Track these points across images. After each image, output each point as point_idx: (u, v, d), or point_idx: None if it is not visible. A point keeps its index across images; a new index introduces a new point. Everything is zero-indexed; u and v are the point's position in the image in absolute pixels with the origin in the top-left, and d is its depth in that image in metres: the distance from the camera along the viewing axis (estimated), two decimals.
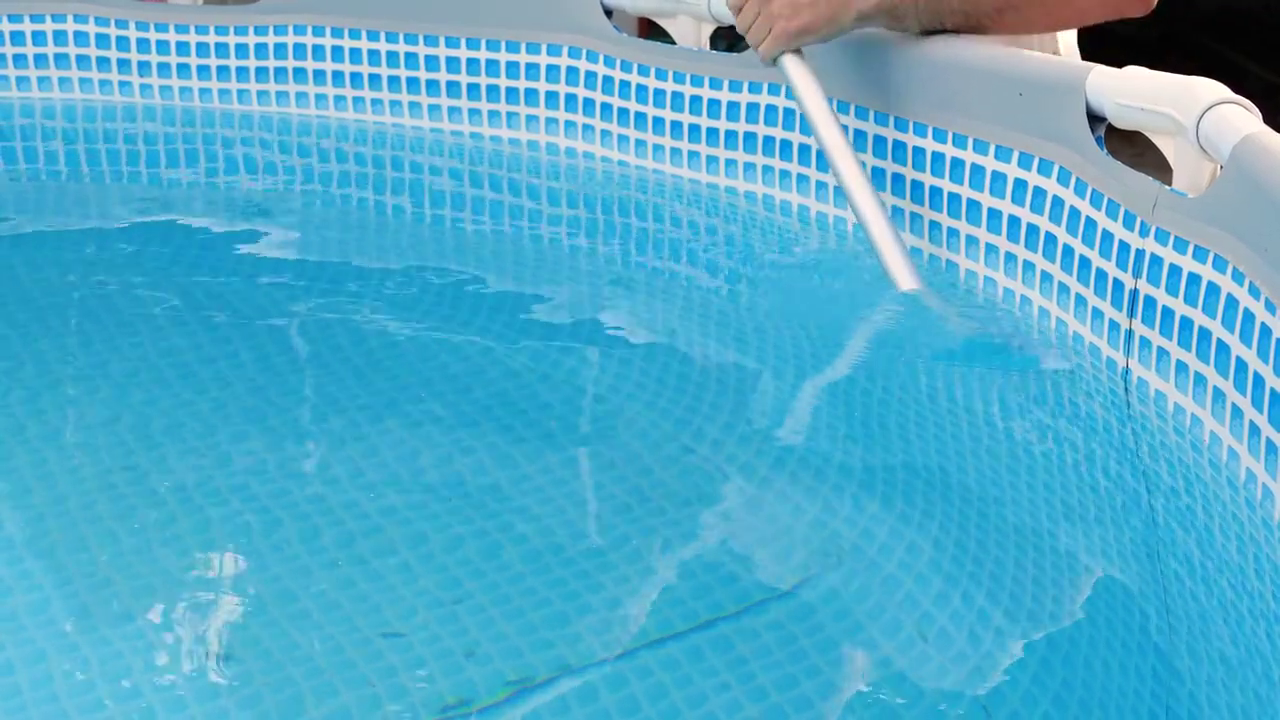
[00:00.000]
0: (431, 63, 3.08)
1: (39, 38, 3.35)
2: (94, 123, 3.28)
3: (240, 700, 1.39)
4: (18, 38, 3.35)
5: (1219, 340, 1.79)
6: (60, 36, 3.34)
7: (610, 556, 1.66)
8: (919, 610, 1.56)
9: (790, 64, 2.36)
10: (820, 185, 2.54)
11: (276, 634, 1.49)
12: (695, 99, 2.74)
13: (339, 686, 1.41)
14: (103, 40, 3.33)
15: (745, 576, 1.63)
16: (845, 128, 2.41)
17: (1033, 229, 2.18)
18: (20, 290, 2.41)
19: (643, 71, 2.83)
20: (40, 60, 3.35)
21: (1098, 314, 2.04)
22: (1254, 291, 1.73)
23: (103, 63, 3.33)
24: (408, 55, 3.10)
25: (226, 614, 1.53)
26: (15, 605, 1.54)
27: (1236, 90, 1.93)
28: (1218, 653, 1.52)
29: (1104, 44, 2.64)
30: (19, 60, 3.36)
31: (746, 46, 2.59)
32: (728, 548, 1.70)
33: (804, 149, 2.55)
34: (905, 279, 2.22)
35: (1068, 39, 2.47)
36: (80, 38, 3.33)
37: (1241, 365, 1.74)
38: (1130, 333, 1.97)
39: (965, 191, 2.29)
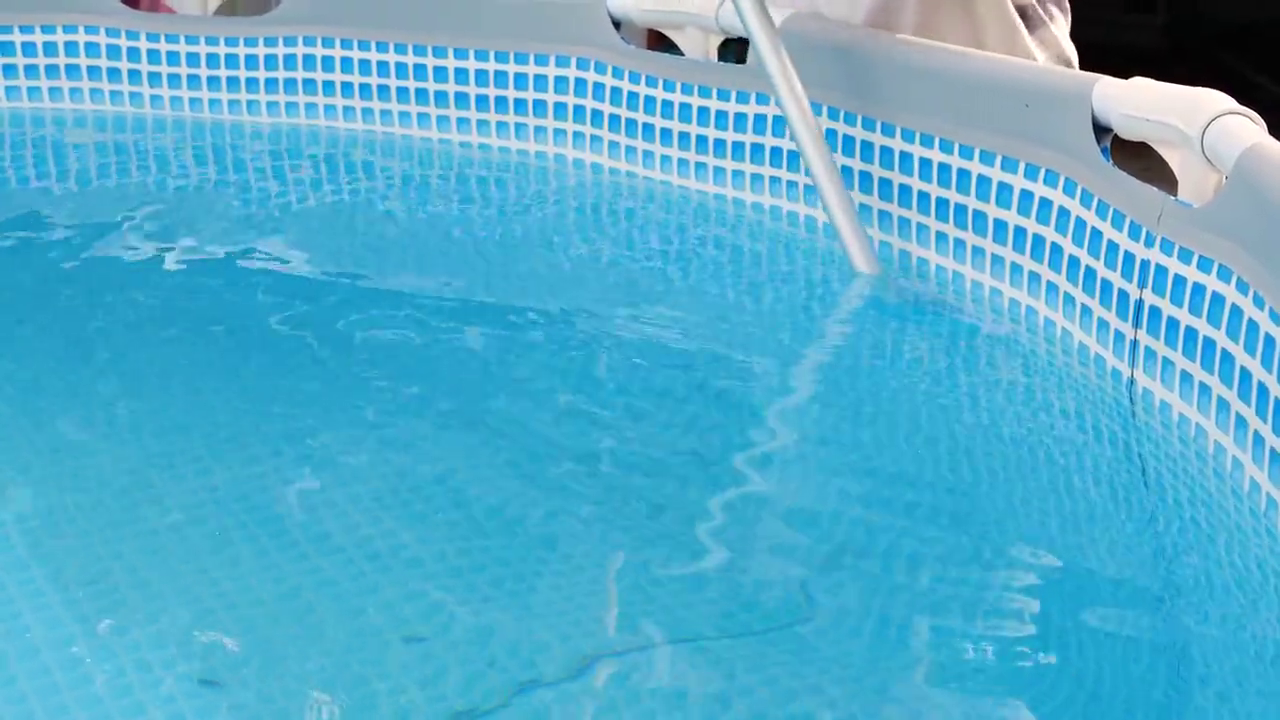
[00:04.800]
0: (440, 74, 3.09)
1: (49, 48, 3.35)
2: (104, 133, 3.29)
3: (247, 709, 1.40)
4: (28, 48, 3.36)
5: (1223, 350, 1.79)
6: (71, 47, 3.34)
7: (618, 560, 1.67)
8: (921, 617, 1.56)
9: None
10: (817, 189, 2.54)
11: (285, 638, 1.49)
12: (703, 110, 2.75)
13: (350, 690, 1.41)
14: (113, 51, 3.33)
15: (757, 578, 1.63)
16: (850, 138, 2.41)
17: (1038, 240, 2.18)
18: (30, 299, 2.42)
19: (650, 83, 2.83)
20: (50, 71, 3.36)
21: (1103, 324, 2.04)
22: (1258, 301, 1.73)
23: (112, 73, 3.34)
24: (417, 67, 3.11)
25: (235, 618, 1.53)
26: (19, 610, 1.55)
27: (1247, 104, 1.93)
28: (1223, 661, 1.52)
29: (1113, 57, 2.65)
30: (29, 71, 3.37)
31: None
32: (737, 552, 1.70)
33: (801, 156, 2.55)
34: (863, 261, 2.36)
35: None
36: (90, 48, 3.34)
37: (1245, 375, 1.74)
38: (1135, 343, 1.97)
39: (971, 202, 2.29)
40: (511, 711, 1.39)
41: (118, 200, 3.00)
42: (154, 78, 3.32)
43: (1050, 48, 2.45)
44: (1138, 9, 6.43)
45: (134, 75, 3.33)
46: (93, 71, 3.35)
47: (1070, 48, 2.49)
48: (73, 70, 3.35)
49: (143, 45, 3.32)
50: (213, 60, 3.28)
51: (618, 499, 1.81)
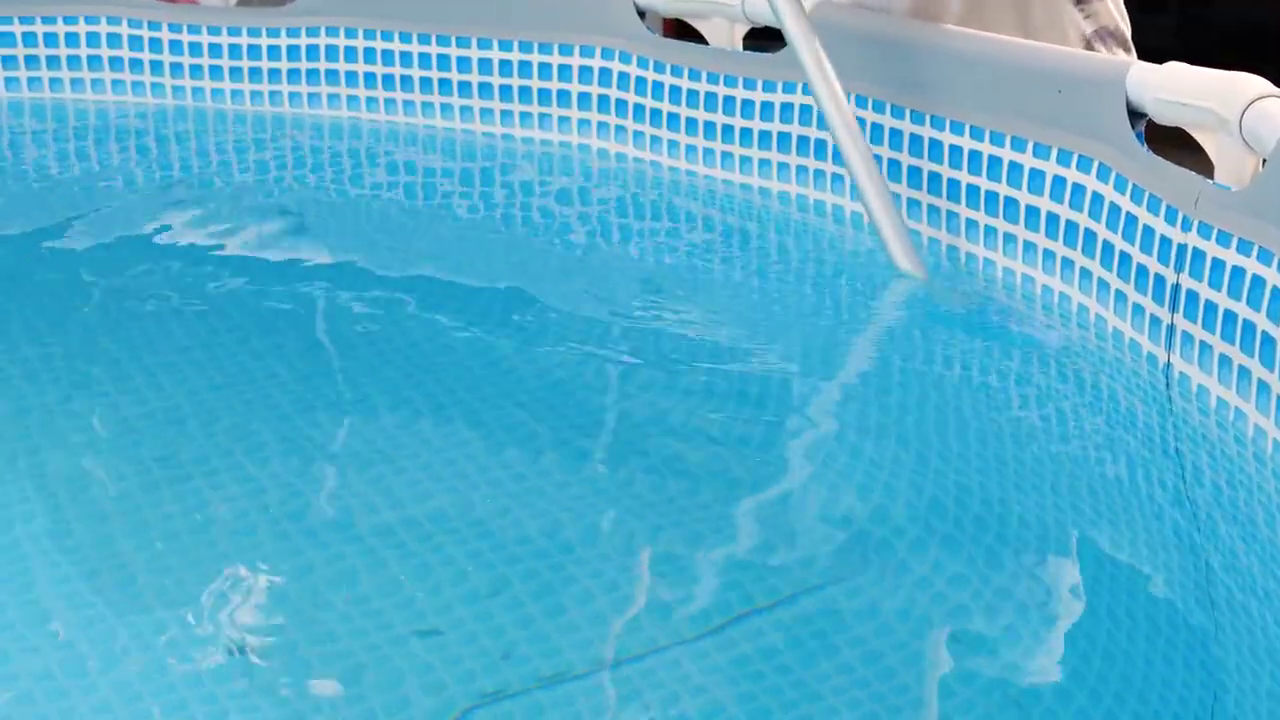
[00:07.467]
0: (463, 64, 3.09)
1: (72, 39, 3.36)
2: (126, 124, 3.29)
3: (271, 696, 1.40)
4: (51, 39, 3.36)
5: (1264, 333, 1.79)
6: (93, 38, 3.35)
7: (641, 553, 1.66)
8: (953, 603, 1.56)
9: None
10: (855, 186, 2.54)
11: (309, 627, 1.49)
12: (729, 99, 2.74)
13: (372, 681, 1.41)
14: (135, 42, 3.34)
15: (777, 571, 1.63)
16: (879, 125, 2.40)
17: (1072, 225, 2.18)
18: (53, 289, 2.42)
19: (675, 72, 2.83)
20: (74, 62, 3.36)
21: (1138, 309, 2.04)
22: None
23: (135, 64, 3.34)
24: (439, 57, 3.11)
25: (259, 607, 1.53)
26: (45, 597, 1.55)
27: None
28: (1260, 644, 1.51)
29: None
30: (52, 62, 3.37)
31: (780, 46, 2.60)
32: (759, 543, 1.70)
33: (837, 149, 2.55)
34: (905, 260, 2.32)
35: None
36: (113, 39, 3.34)
37: None
38: (1172, 327, 1.97)
39: (1003, 189, 2.29)
40: (525, 704, 1.39)
41: (140, 190, 3.01)
42: (176, 69, 3.32)
43: (1100, 19, 2.44)
44: (1148, 9, 6.43)
45: (156, 66, 3.33)
46: (115, 62, 3.35)
47: (1122, 18, 2.47)
48: (95, 61, 3.35)
49: (165, 36, 3.32)
50: (234, 51, 3.28)
51: (647, 494, 1.80)
